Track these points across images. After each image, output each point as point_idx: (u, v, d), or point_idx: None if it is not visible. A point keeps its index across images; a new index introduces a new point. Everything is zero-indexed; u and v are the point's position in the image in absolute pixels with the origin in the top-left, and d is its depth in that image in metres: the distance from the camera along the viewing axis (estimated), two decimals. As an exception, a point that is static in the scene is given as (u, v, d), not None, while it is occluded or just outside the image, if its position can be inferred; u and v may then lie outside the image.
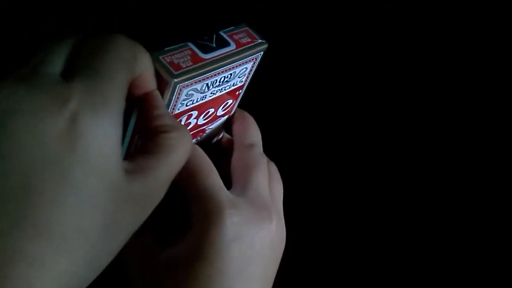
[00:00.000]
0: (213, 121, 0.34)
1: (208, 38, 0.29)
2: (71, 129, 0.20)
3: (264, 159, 0.35)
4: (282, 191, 0.36)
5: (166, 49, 0.27)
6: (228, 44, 0.29)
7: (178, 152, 0.25)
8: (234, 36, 0.30)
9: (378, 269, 0.55)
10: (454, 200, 0.56)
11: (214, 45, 0.29)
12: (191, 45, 0.28)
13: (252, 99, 0.36)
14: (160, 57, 0.27)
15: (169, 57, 0.27)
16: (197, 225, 0.29)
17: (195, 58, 0.27)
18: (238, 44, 0.30)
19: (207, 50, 0.28)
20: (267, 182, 0.33)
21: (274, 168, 0.36)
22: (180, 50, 0.27)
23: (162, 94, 0.27)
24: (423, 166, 0.57)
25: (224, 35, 0.30)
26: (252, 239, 0.30)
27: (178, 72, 0.27)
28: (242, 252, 0.30)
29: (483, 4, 0.53)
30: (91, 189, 0.21)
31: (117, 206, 0.22)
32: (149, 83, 0.26)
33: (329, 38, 0.56)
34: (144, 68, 0.25)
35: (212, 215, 0.29)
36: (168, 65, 0.26)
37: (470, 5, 0.53)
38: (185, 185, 0.31)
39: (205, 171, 0.31)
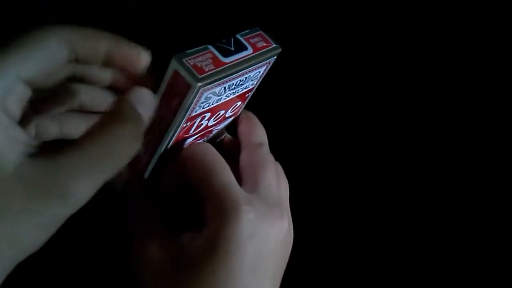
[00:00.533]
0: (221, 122, 0.34)
1: (226, 42, 0.29)
2: None
3: (272, 158, 0.35)
4: (288, 190, 0.36)
5: (188, 52, 0.27)
6: (246, 48, 0.29)
7: (96, 145, 0.22)
8: (250, 40, 0.30)
9: (381, 268, 0.56)
10: (455, 200, 0.56)
11: (233, 49, 0.29)
12: (211, 48, 0.28)
13: (255, 100, 0.36)
14: (184, 60, 0.27)
15: (192, 60, 0.27)
16: (213, 221, 0.29)
17: (216, 62, 0.28)
18: (255, 48, 0.30)
19: (227, 53, 0.28)
20: (276, 180, 0.33)
21: (279, 167, 0.36)
22: (202, 53, 0.27)
23: (183, 96, 0.27)
24: (429, 167, 0.57)
25: (241, 39, 0.30)
26: (266, 236, 0.30)
27: (202, 75, 0.27)
28: (257, 249, 0.30)
29: (483, 4, 0.53)
30: None
31: (12, 189, 0.21)
32: (123, 59, 0.26)
33: (330, 38, 0.56)
34: (94, 47, 0.25)
35: (229, 211, 0.29)
36: (192, 68, 0.26)
37: (470, 5, 0.53)
38: (200, 183, 0.31)
39: (220, 169, 0.31)
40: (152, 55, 0.28)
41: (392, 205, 0.57)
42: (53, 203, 0.22)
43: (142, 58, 0.27)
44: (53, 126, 0.29)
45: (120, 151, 0.23)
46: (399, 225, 0.56)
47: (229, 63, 0.28)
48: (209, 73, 0.27)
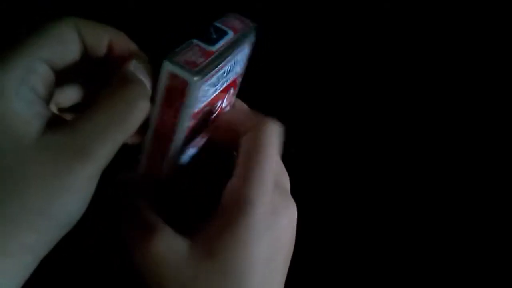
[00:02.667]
0: (219, 115, 0.34)
1: (206, 31, 0.29)
2: None
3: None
4: (289, 184, 0.35)
5: (175, 50, 0.27)
6: (226, 33, 0.30)
7: (111, 109, 0.25)
8: (228, 24, 0.30)
9: (381, 266, 0.55)
10: (456, 200, 0.56)
11: (215, 36, 0.29)
12: (195, 41, 0.28)
13: (254, 98, 0.36)
14: (174, 59, 0.27)
15: (182, 57, 0.27)
16: (229, 211, 0.29)
17: (205, 53, 0.28)
18: (235, 30, 0.30)
19: (211, 42, 0.28)
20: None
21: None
22: (188, 48, 0.27)
23: (183, 95, 0.27)
24: (426, 164, 0.57)
25: (220, 25, 0.30)
26: (280, 227, 0.30)
27: (196, 69, 0.27)
28: (272, 240, 0.29)
29: (483, 4, 0.53)
30: None
31: (37, 156, 0.23)
32: (120, 49, 0.28)
33: (330, 38, 0.56)
34: (96, 38, 0.27)
35: (250, 201, 0.29)
36: (184, 64, 0.27)
37: (470, 5, 0.53)
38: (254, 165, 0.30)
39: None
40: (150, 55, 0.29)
41: (390, 200, 0.56)
42: (76, 164, 0.24)
43: (139, 55, 0.28)
44: (69, 96, 0.31)
45: (129, 111, 0.26)
46: (398, 221, 0.56)
47: (217, 50, 0.28)
48: (202, 65, 0.27)
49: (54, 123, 0.25)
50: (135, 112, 0.26)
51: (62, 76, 0.28)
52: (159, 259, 0.29)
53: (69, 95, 0.31)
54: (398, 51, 0.57)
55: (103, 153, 0.25)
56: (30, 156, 0.24)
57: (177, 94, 0.28)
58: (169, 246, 0.29)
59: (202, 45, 0.28)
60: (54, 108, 0.31)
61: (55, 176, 0.24)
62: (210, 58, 0.27)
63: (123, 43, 0.28)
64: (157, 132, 0.30)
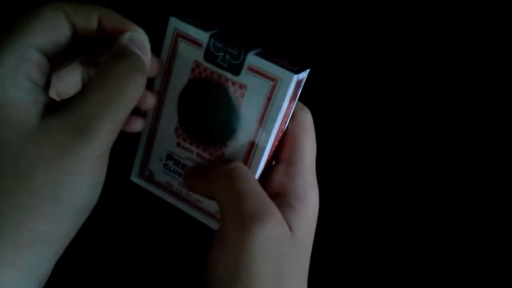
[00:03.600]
0: None
1: (241, 42, 0.30)
2: None
3: None
4: None
5: (270, 70, 0.28)
6: (228, 31, 0.31)
7: (106, 86, 0.25)
8: (209, 28, 0.31)
9: (381, 267, 0.55)
10: (458, 202, 0.56)
11: (239, 38, 0.30)
12: (256, 52, 0.29)
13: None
14: (293, 71, 0.28)
15: (288, 65, 0.28)
16: (300, 196, 0.31)
17: (268, 53, 0.29)
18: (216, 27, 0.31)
19: (252, 45, 0.30)
20: None
21: None
22: (269, 60, 0.29)
23: (299, 91, 0.29)
24: (427, 165, 0.57)
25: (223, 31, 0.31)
26: (317, 212, 0.32)
27: (299, 63, 0.29)
28: (314, 226, 0.32)
29: (483, 4, 0.52)
30: None
31: (39, 140, 0.23)
32: (113, 28, 0.27)
33: (330, 38, 0.56)
34: (85, 21, 0.27)
35: (311, 187, 0.31)
36: (294, 67, 0.28)
37: (470, 5, 0.53)
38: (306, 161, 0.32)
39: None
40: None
41: (391, 203, 0.56)
42: (77, 145, 0.24)
43: (132, 28, 0.28)
44: (70, 83, 0.31)
45: (124, 86, 0.25)
46: (398, 224, 0.56)
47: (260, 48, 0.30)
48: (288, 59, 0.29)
49: (53, 108, 0.24)
50: (131, 85, 0.25)
51: (59, 63, 0.28)
52: (273, 236, 0.29)
53: (69, 82, 0.31)
54: (400, 51, 0.56)
55: (104, 130, 0.24)
56: (32, 142, 0.23)
57: (295, 96, 0.30)
58: (280, 225, 0.29)
59: (259, 49, 0.29)
60: (56, 98, 0.31)
61: (59, 159, 0.23)
62: (273, 52, 0.29)
63: (114, 19, 0.28)
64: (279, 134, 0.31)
